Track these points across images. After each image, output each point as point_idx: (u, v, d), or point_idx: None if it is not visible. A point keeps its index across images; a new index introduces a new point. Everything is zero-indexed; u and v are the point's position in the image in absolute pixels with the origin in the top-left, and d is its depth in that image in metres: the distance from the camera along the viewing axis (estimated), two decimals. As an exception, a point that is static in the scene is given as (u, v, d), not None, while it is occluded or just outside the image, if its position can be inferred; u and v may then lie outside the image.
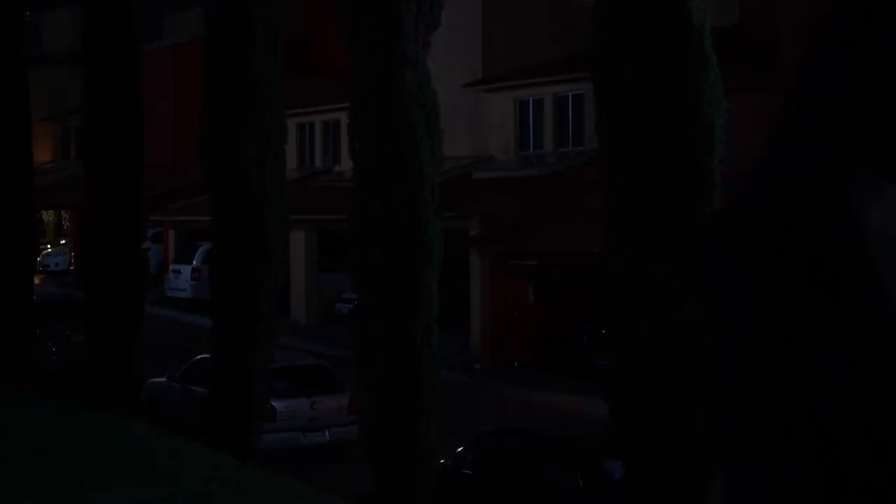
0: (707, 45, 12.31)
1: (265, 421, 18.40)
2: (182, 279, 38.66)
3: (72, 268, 45.03)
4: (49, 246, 51.15)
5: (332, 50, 32.71)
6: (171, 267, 39.83)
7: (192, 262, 38.21)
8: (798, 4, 25.12)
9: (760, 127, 24.53)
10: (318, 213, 31.60)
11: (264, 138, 17.96)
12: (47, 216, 56.57)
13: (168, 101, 45.57)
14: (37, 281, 29.55)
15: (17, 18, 29.29)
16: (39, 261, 34.61)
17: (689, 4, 12.27)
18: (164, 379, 21.89)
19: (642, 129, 12.36)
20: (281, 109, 18.29)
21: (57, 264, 47.96)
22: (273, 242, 17.99)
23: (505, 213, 28.76)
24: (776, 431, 1.38)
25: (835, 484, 1.36)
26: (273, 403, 19.04)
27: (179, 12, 54.58)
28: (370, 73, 15.01)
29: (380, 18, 14.90)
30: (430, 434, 15.23)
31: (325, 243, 34.31)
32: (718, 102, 12.35)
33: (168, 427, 18.58)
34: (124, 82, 23.91)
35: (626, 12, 12.42)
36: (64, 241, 52.65)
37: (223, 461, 13.96)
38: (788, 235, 1.39)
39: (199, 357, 20.83)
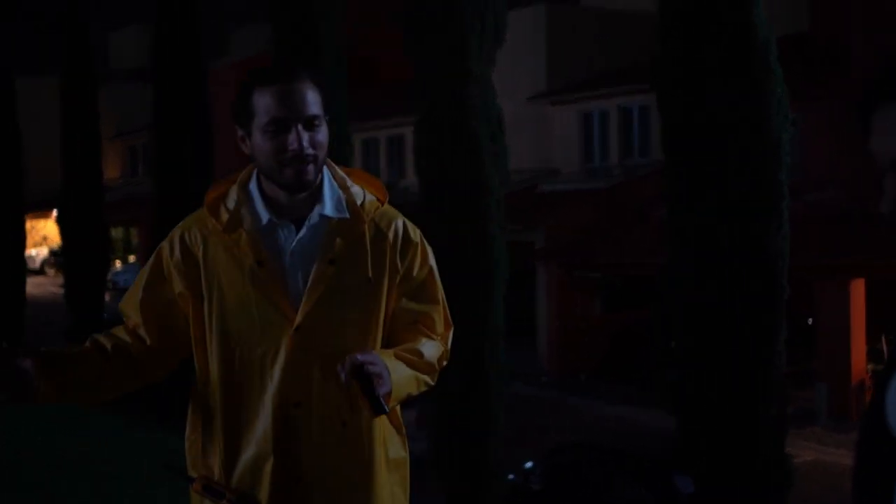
0: (773, 60, 12.20)
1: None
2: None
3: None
4: (118, 263, 51.70)
5: (395, 63, 32.84)
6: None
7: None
8: (868, 11, 24.88)
9: (830, 135, 24.38)
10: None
11: (330, 153, 17.95)
12: (115, 233, 57.19)
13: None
14: (106, 298, 29.87)
15: (86, 38, 29.74)
16: (109, 278, 34.97)
17: (754, 19, 12.18)
18: None
19: (707, 144, 12.29)
20: (346, 124, 18.34)
21: (126, 281, 48.43)
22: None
23: (570, 225, 28.74)
24: None
25: None
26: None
27: (249, 23, 55.01)
28: (435, 90, 15.04)
29: (445, 36, 14.94)
30: (497, 449, 15.22)
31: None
32: (785, 116, 12.25)
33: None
34: (194, 98, 24.03)
35: (689, 26, 12.36)
36: (133, 258, 53.21)
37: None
38: None
39: None
